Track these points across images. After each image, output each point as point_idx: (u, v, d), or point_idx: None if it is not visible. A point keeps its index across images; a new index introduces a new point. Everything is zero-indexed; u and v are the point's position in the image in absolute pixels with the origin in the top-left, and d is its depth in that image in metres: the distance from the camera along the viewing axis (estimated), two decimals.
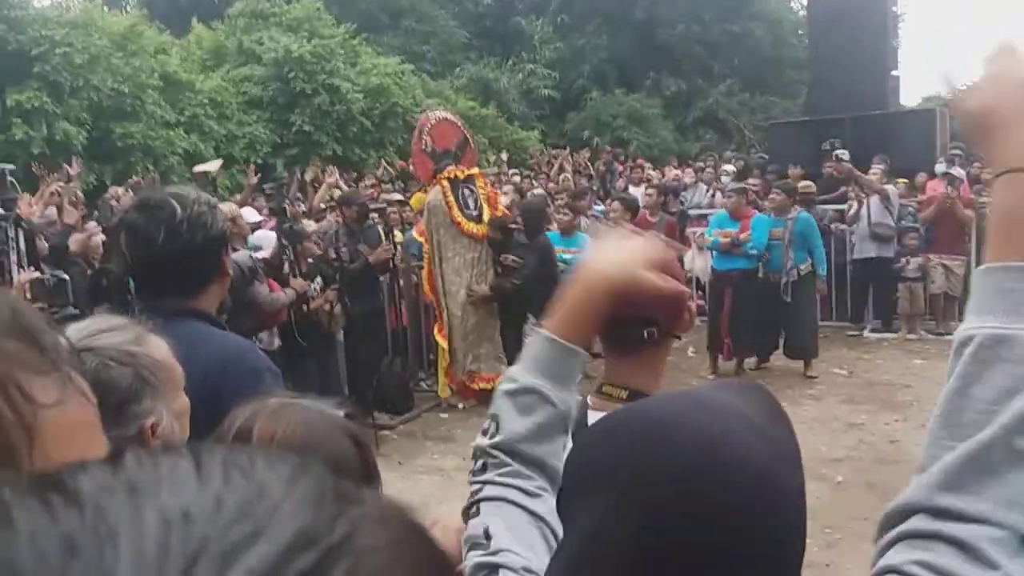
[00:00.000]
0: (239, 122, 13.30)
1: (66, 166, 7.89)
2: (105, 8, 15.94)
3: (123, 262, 1.93)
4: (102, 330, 1.28)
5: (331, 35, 14.94)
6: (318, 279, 6.40)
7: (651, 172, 12.49)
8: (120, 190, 8.54)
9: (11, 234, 4.02)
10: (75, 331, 1.20)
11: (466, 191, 6.67)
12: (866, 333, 8.80)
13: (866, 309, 9.01)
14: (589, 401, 1.69)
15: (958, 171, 9.24)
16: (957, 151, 10.80)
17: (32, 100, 10.07)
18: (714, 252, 7.61)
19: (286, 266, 5.64)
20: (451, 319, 6.72)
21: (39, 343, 0.48)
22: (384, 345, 7.34)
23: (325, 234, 7.05)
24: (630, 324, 1.62)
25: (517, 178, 12.25)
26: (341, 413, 1.26)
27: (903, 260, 8.74)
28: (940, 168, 9.97)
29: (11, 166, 4.70)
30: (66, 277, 4.77)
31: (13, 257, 3.91)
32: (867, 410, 6.25)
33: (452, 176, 6.62)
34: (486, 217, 6.70)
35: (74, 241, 5.59)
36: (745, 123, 20.05)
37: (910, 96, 23.82)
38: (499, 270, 6.73)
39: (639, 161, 13.84)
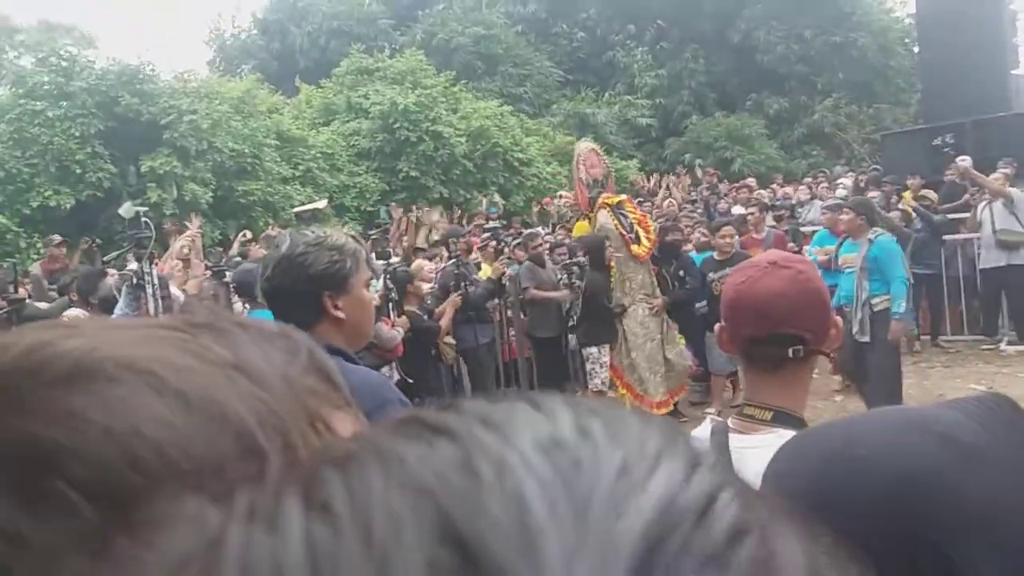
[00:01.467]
0: (350, 173, 13.89)
1: (186, 223, 8.51)
2: (224, 76, 17.07)
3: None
4: None
5: (433, 84, 15.45)
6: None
7: (762, 192, 12.23)
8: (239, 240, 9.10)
9: (147, 269, 4.33)
10: None
11: (621, 216, 6.81)
12: (1002, 346, 8.26)
13: (1000, 320, 8.45)
14: (730, 423, 1.64)
15: None
16: None
17: (164, 165, 10.83)
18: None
19: (389, 307, 5.83)
20: (631, 339, 6.77)
21: (333, 380, 0.51)
22: (494, 377, 7.45)
23: (444, 270, 7.28)
24: (774, 342, 1.57)
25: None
26: None
27: None
28: None
29: (146, 208, 5.08)
30: None
31: (149, 290, 4.21)
32: None
33: (609, 202, 6.80)
34: (643, 239, 6.83)
35: (191, 286, 6.01)
36: (853, 137, 19.41)
37: None
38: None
39: (745, 180, 13.58)
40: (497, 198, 13.89)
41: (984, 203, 8.15)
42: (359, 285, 1.99)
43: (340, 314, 1.97)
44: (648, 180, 14.93)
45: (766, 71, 20.54)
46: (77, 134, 10.58)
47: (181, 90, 12.21)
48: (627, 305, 6.72)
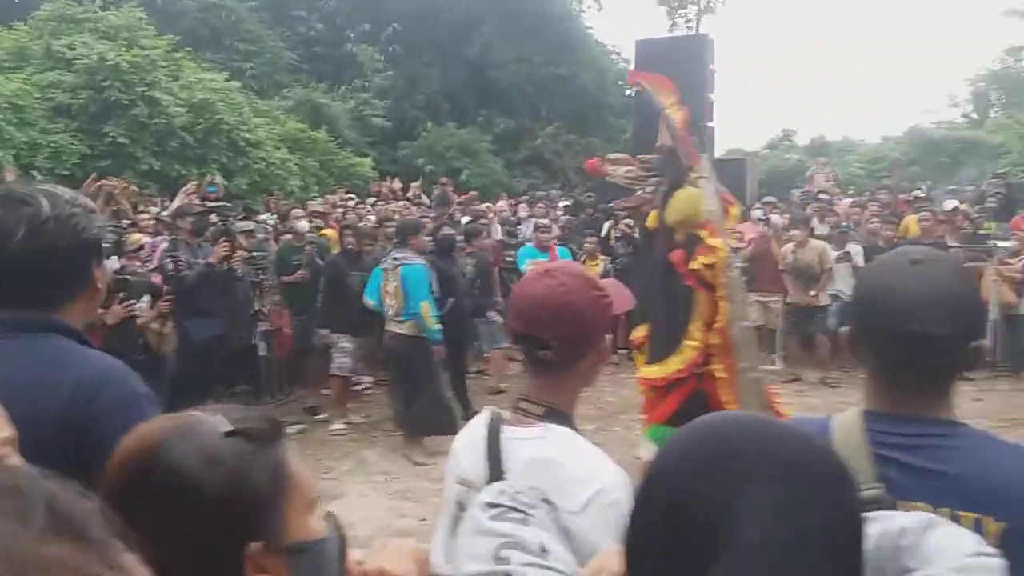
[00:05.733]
0: (43, 130, 12.12)
1: None
2: None
3: None
4: None
5: (152, 46, 14.04)
6: (145, 297, 5.95)
7: (490, 205, 12.72)
8: None
9: None
10: None
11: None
12: None
13: None
14: (505, 416, 1.65)
15: (776, 218, 10.09)
16: (771, 198, 11.79)
17: None
18: None
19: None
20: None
21: (89, 534, 0.41)
22: (216, 373, 6.90)
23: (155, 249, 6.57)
24: (525, 342, 1.62)
25: (351, 203, 12.06)
26: (222, 426, 0.99)
27: None
28: (757, 213, 10.82)
29: None
30: None
31: None
32: None
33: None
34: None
35: None
36: (568, 164, 20.90)
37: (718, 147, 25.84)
38: None
39: (470, 194, 14.05)
40: (219, 178, 12.90)
41: None
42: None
43: (101, 285, 1.72)
44: (391, 180, 14.85)
45: (498, 89, 21.43)
46: None
47: None
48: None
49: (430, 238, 7.66)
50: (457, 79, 21.37)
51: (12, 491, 0.40)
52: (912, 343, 1.29)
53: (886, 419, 1.35)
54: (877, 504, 1.23)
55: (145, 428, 1.01)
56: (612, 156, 5.34)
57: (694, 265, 3.87)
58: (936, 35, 76.31)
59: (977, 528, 1.23)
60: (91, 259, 1.65)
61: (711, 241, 3.78)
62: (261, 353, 7.26)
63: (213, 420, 1.00)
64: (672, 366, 4.77)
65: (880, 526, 0.96)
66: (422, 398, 6.69)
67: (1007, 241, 9.27)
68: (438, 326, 6.61)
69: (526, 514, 1.07)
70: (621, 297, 1.73)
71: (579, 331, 1.58)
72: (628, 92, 23.16)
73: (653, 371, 4.68)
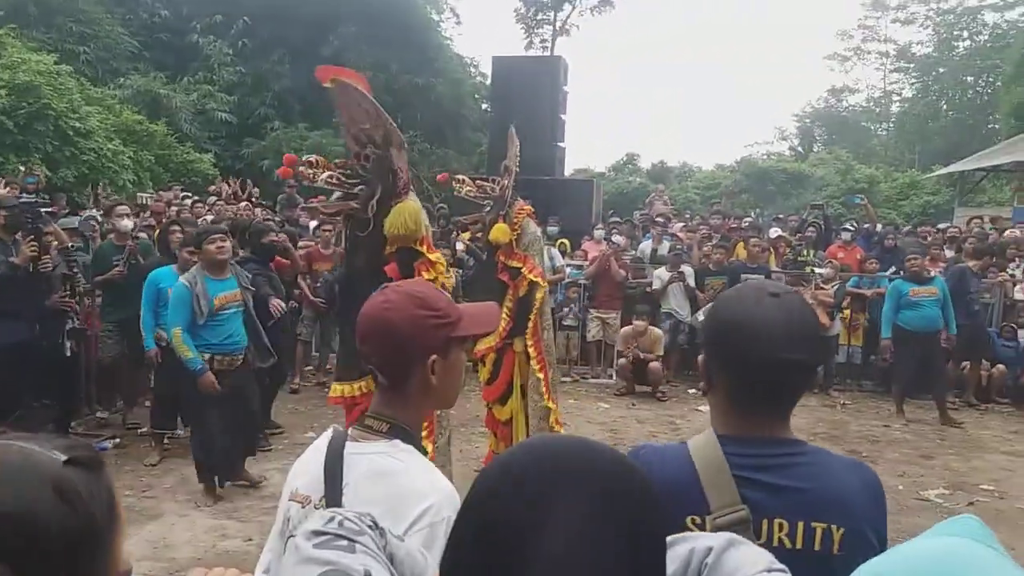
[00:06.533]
0: None
1: None
2: None
3: None
4: None
5: None
6: None
7: None
8: None
9: None
10: None
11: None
12: None
13: None
14: (350, 432, 1.63)
15: (618, 237, 10.49)
16: (616, 219, 12.23)
17: None
18: None
19: None
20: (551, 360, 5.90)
21: None
22: (26, 382, 6.34)
23: None
24: (362, 356, 1.63)
25: (188, 201, 11.49)
26: (61, 459, 0.95)
27: (564, 310, 9.66)
28: (599, 233, 11.20)
29: None
30: None
31: None
32: None
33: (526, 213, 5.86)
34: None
35: None
36: (424, 174, 20.85)
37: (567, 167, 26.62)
38: None
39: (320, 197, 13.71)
40: (40, 169, 11.90)
41: None
42: None
43: None
44: (230, 182, 14.19)
45: None
46: None
47: None
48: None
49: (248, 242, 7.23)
50: (309, 79, 20.82)
51: None
52: (779, 369, 1.40)
53: (742, 442, 1.44)
54: (742, 525, 1.33)
55: None
56: (459, 177, 5.73)
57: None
58: (768, 71, 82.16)
59: (827, 535, 1.37)
60: None
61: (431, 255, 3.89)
62: (67, 353, 6.51)
63: (44, 450, 0.94)
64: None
65: (688, 546, 1.02)
66: (193, 438, 6.03)
67: (823, 268, 10.10)
68: (192, 355, 5.63)
69: (352, 541, 1.06)
70: (477, 318, 1.71)
71: (396, 349, 1.58)
72: (484, 106, 23.45)
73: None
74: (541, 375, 5.79)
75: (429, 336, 1.59)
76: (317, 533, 1.07)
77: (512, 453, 0.84)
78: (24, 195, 9.16)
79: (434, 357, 1.59)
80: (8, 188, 9.83)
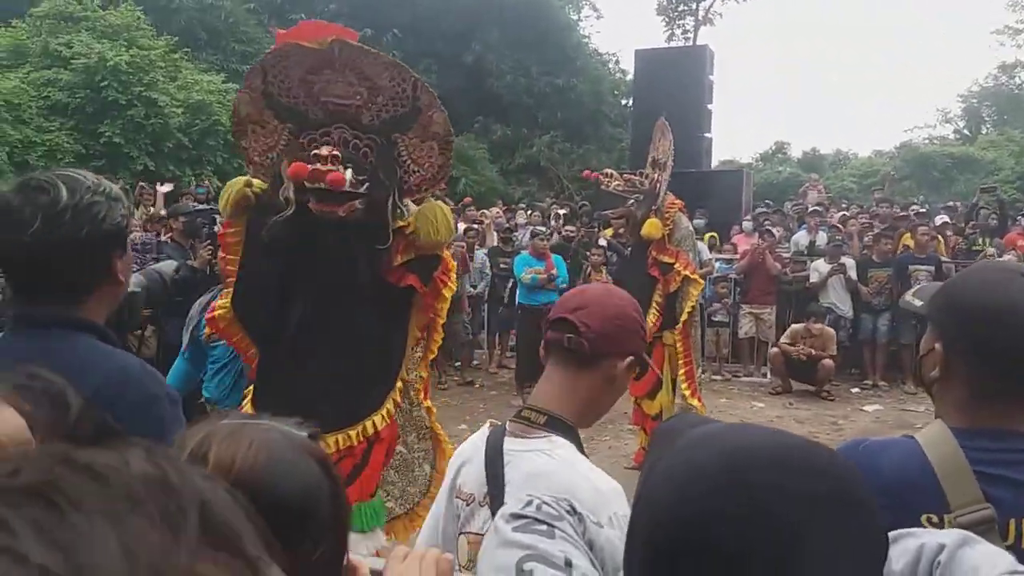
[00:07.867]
0: (38, 128, 12.08)
1: None
2: None
3: None
4: None
5: (151, 47, 14.00)
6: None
7: (487, 212, 12.73)
8: None
9: None
10: None
11: None
12: None
13: None
14: (507, 427, 1.63)
15: (773, 229, 10.11)
16: (763, 209, 11.81)
17: None
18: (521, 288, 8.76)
19: None
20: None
21: (241, 553, 0.35)
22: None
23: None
24: (563, 328, 1.61)
25: None
26: (304, 434, 1.10)
27: (713, 305, 9.41)
28: (748, 225, 10.84)
29: None
30: None
31: None
32: None
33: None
34: None
35: None
36: (564, 172, 20.92)
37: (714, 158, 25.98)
38: None
39: (465, 200, 14.04)
40: (212, 180, 12.85)
41: None
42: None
43: (124, 277, 1.66)
44: None
45: (494, 97, 21.43)
46: None
47: None
48: None
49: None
50: (454, 86, 21.37)
51: (162, 487, 0.34)
52: None
53: (984, 435, 1.32)
54: (986, 525, 1.22)
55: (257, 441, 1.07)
56: (607, 172, 5.81)
57: None
58: (927, 51, 76.89)
59: None
60: (112, 250, 1.59)
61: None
62: None
63: (290, 429, 1.10)
64: None
65: (916, 541, 0.95)
66: None
67: (1005, 256, 9.31)
68: None
69: (551, 526, 1.05)
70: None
71: (616, 329, 1.60)
72: (624, 102, 23.24)
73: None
74: (684, 369, 5.70)
75: (635, 339, 1.64)
76: (516, 516, 1.06)
77: (705, 456, 0.77)
78: (197, 204, 9.94)
79: (630, 359, 1.61)
80: (183, 198, 10.70)
